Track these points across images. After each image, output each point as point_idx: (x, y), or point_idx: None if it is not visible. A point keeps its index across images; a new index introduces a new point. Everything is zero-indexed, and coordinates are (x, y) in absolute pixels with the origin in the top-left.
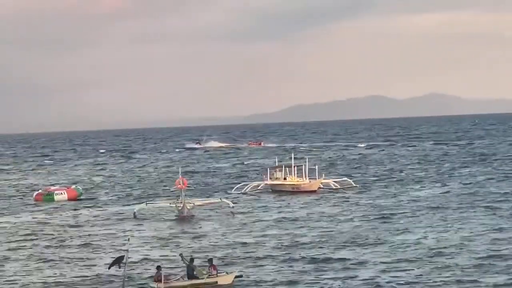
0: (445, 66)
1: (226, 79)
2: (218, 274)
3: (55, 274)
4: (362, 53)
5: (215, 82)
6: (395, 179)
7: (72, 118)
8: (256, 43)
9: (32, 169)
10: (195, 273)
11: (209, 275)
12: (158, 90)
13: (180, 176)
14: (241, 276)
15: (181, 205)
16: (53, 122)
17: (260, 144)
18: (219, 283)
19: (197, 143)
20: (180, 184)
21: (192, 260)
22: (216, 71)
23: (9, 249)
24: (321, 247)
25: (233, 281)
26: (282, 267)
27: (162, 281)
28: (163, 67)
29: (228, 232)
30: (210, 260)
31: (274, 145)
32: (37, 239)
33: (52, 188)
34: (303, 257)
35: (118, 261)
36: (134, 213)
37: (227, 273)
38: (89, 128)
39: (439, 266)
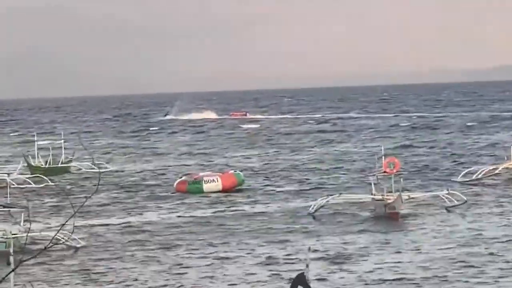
0: None
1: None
2: None
3: None
4: None
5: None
6: None
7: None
8: None
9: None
10: None
11: None
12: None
13: (387, 157)
14: None
15: (391, 198)
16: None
17: (245, 115)
18: None
19: (165, 115)
20: (389, 167)
21: None
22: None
23: (140, 254)
24: None
25: None
26: None
27: None
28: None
29: (456, 241)
30: None
31: (261, 116)
32: (176, 243)
33: (201, 173)
34: None
35: (299, 281)
36: (312, 209)
37: None
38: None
39: None
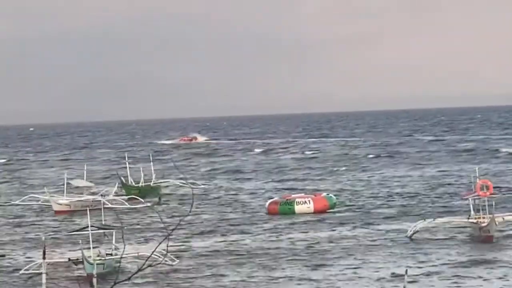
0: None
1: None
2: None
3: None
4: None
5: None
6: None
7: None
8: None
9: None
10: None
11: None
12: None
13: (480, 179)
14: None
15: (485, 221)
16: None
17: (191, 140)
18: None
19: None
20: (483, 190)
21: None
22: None
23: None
24: None
25: None
26: None
27: None
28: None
29: None
30: None
31: (207, 140)
32: (267, 264)
33: (293, 195)
34: None
35: None
36: (410, 233)
37: None
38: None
39: None
